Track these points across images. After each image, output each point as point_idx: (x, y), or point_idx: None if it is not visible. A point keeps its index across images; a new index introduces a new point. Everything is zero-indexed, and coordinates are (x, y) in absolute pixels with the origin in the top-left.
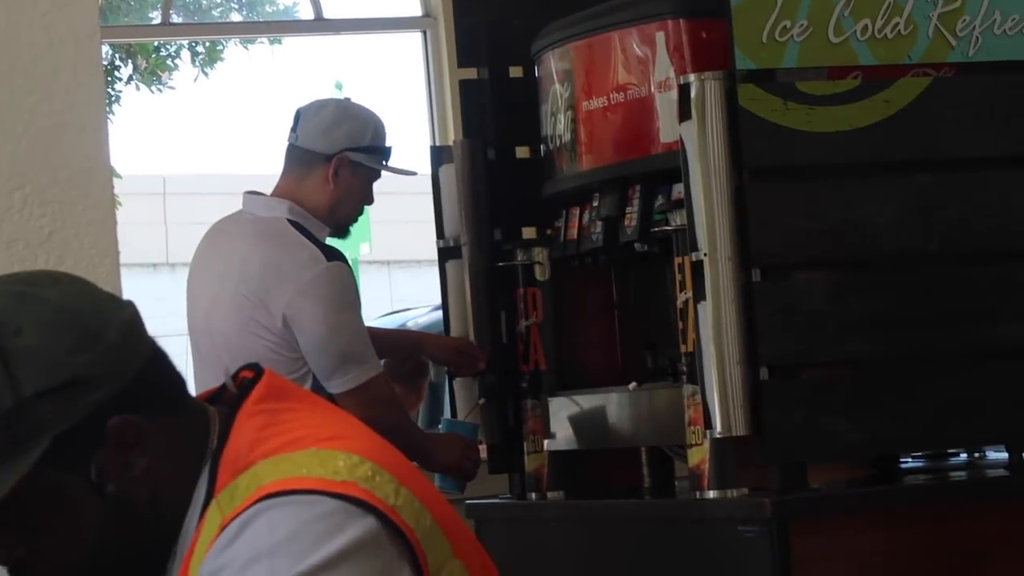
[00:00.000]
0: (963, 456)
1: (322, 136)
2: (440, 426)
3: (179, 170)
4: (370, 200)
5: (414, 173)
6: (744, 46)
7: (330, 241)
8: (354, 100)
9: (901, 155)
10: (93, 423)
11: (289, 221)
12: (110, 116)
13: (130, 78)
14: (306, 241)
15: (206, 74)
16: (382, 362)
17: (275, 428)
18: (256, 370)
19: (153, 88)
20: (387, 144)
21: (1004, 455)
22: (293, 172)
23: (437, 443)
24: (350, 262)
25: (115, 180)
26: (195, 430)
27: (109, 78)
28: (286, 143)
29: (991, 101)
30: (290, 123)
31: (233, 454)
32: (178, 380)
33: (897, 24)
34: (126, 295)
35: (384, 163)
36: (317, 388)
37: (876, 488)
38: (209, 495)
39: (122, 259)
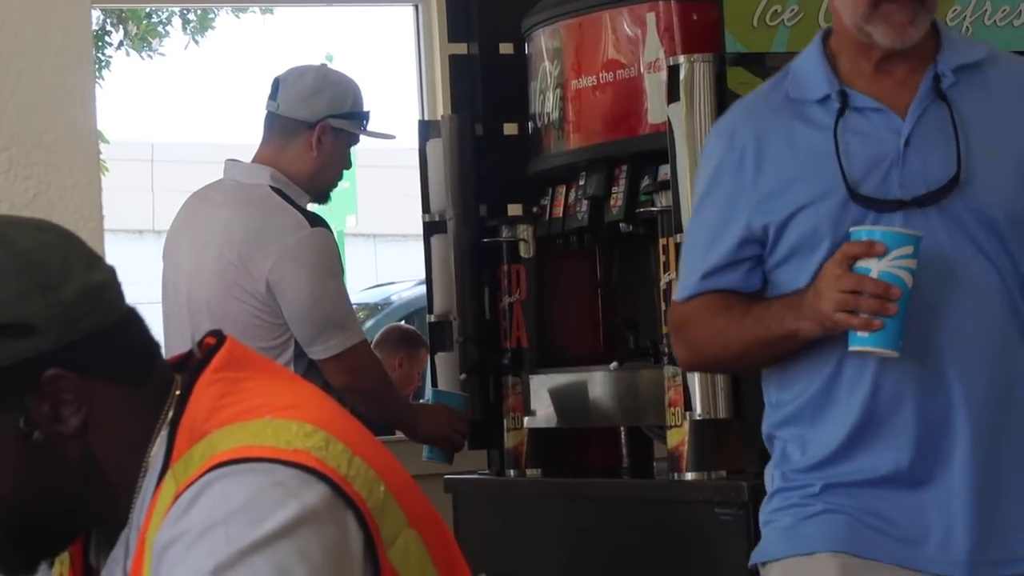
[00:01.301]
0: None
1: (304, 104)
2: (427, 396)
3: (167, 137)
4: (348, 164)
5: (392, 136)
6: (734, 29)
7: (313, 208)
8: (332, 67)
9: None
10: (29, 370)
11: (272, 188)
12: (99, 81)
13: (120, 43)
14: (289, 207)
15: (197, 42)
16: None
17: (232, 397)
18: (219, 337)
19: (143, 54)
20: (365, 108)
21: None
22: (274, 140)
23: (422, 413)
24: (335, 232)
25: (103, 146)
26: (153, 400)
27: (99, 43)
28: (265, 111)
29: None
30: (268, 91)
31: (190, 423)
32: (145, 352)
33: None
34: (110, 261)
35: (364, 127)
36: (299, 355)
37: None
38: (166, 464)
39: (108, 225)
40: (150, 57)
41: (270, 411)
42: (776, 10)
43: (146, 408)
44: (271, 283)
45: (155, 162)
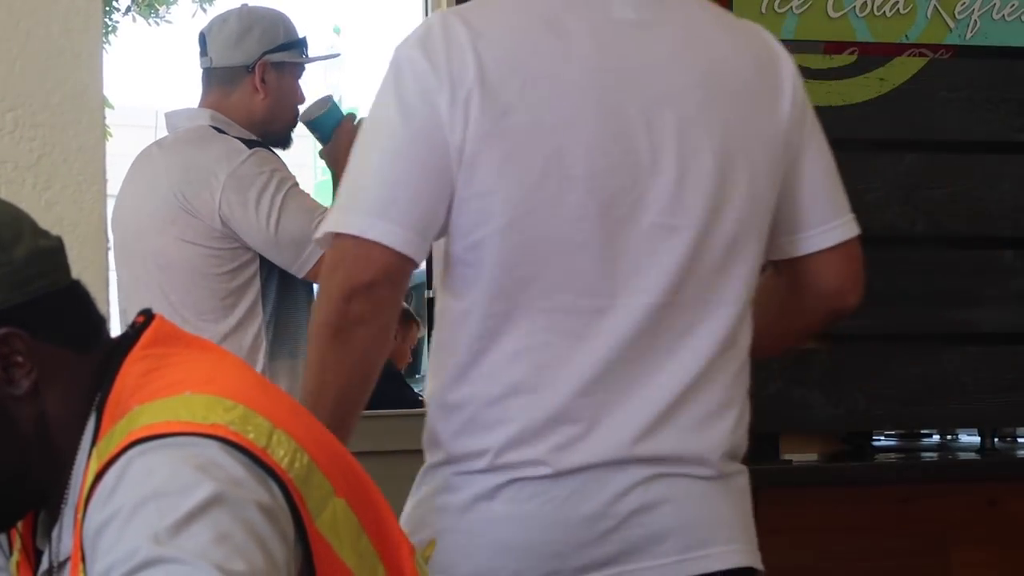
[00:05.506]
0: (935, 438)
1: (235, 48)
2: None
3: (171, 104)
4: (301, 98)
5: (337, 55)
6: (743, 15)
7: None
8: (252, 3)
9: (892, 134)
10: None
11: (211, 127)
12: (106, 46)
13: (128, 9)
14: (227, 136)
15: (204, 10)
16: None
17: (156, 374)
18: (148, 315)
19: (150, 21)
20: (300, 36)
21: (976, 439)
22: (214, 90)
23: (336, 157)
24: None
25: (107, 111)
26: (93, 373)
27: (107, 8)
28: (200, 70)
29: (985, 85)
30: (197, 49)
31: (116, 400)
32: (91, 321)
33: (896, 3)
34: (111, 224)
35: (304, 55)
36: (285, 283)
37: (846, 464)
38: (93, 443)
39: (109, 189)
40: (157, 24)
41: (190, 386)
42: None
43: (90, 379)
44: (224, 217)
45: (158, 129)
